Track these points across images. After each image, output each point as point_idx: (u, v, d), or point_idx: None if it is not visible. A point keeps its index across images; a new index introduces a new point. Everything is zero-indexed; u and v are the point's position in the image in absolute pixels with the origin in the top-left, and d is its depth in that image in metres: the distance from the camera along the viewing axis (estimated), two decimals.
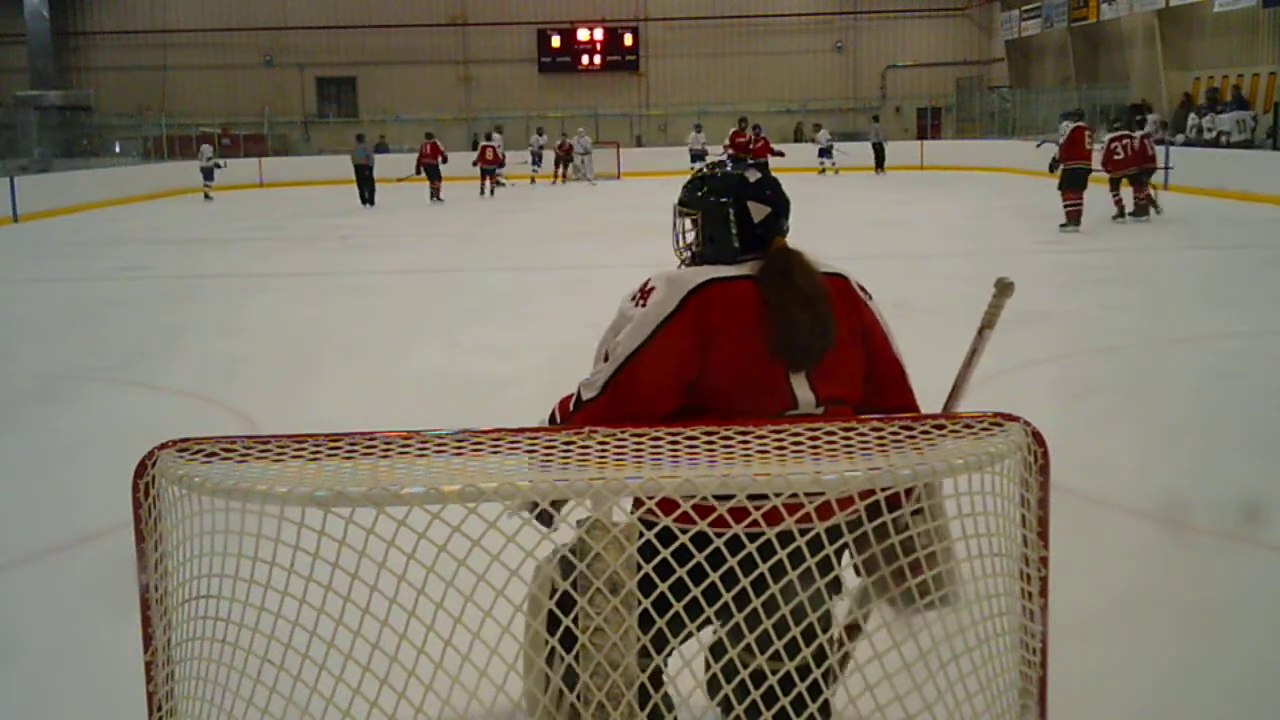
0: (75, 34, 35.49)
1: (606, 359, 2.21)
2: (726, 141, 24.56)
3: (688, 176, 2.54)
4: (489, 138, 26.51)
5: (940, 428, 1.74)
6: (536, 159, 28.66)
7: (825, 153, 28.98)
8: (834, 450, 1.68)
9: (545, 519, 1.80)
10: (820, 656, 1.76)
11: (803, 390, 2.16)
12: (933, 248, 14.35)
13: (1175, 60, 26.18)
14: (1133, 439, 5.88)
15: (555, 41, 36.11)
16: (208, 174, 25.84)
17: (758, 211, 2.35)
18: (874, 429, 1.76)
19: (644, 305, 2.19)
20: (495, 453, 1.69)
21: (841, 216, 19.54)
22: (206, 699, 1.68)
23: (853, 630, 1.89)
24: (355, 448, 1.69)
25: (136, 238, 18.71)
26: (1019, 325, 8.97)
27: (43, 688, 3.55)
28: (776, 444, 1.71)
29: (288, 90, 35.90)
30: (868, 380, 2.28)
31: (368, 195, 23.42)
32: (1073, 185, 15.36)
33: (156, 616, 1.64)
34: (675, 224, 2.44)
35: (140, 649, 1.64)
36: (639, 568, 1.66)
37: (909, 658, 1.69)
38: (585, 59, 36.38)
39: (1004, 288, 2.54)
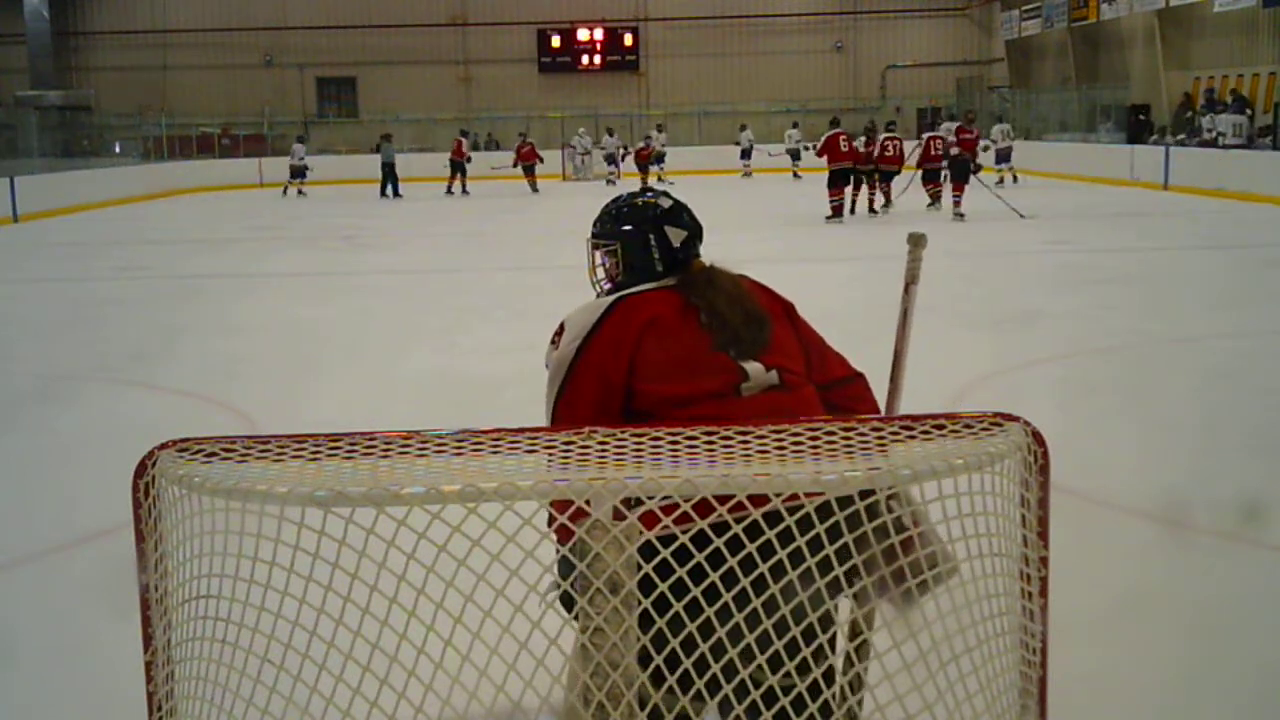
0: (75, 34, 35.50)
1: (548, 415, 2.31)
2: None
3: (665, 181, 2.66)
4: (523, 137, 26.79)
5: (940, 428, 1.74)
6: (612, 160, 28.61)
7: (745, 154, 29.45)
8: (834, 450, 1.68)
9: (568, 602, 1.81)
10: (820, 655, 1.76)
11: (751, 364, 2.24)
12: (932, 248, 14.31)
13: (1175, 60, 26.19)
14: (1133, 439, 5.88)
15: (555, 41, 36.12)
16: (298, 172, 26.22)
17: (675, 236, 2.45)
18: (874, 429, 1.76)
19: (558, 344, 2.30)
20: (495, 453, 1.69)
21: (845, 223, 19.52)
22: (206, 699, 1.68)
23: (862, 648, 1.90)
24: (355, 448, 1.69)
25: (136, 238, 18.71)
26: (1019, 325, 9.05)
27: (43, 688, 3.55)
28: (776, 444, 1.71)
29: (288, 90, 35.91)
30: (807, 362, 2.36)
31: (392, 189, 24.88)
32: (833, 184, 17.85)
33: (156, 616, 1.64)
34: (589, 257, 2.53)
35: (140, 649, 1.64)
36: (638, 568, 1.66)
37: (909, 658, 1.69)
38: (585, 59, 36.39)
39: (916, 239, 2.74)
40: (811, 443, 1.71)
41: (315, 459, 1.66)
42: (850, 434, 1.74)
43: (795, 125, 29.79)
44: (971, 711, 1.70)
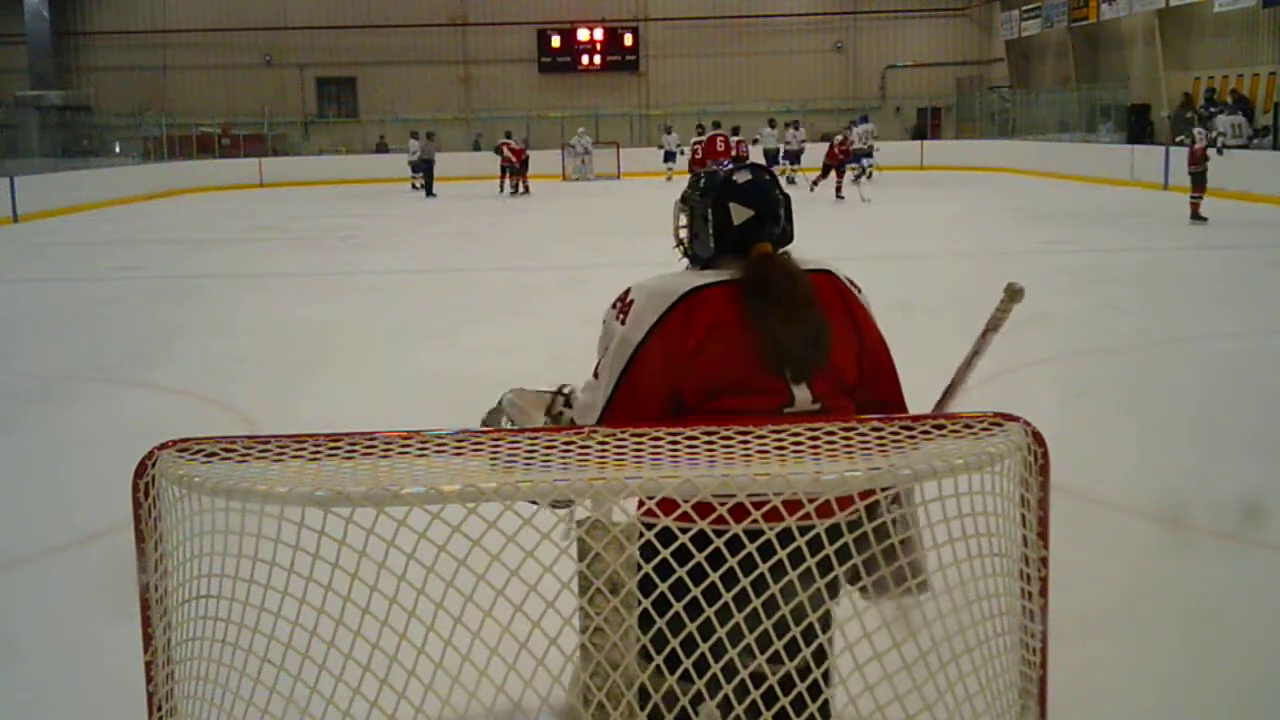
0: (75, 34, 35.48)
1: (596, 376, 2.21)
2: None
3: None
4: (701, 131, 25.74)
5: (940, 428, 1.74)
6: (670, 157, 28.48)
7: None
8: (834, 450, 1.68)
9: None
10: (820, 657, 1.76)
11: (800, 389, 2.14)
12: (933, 248, 14.35)
13: (1175, 60, 26.18)
14: (1132, 439, 5.88)
15: (555, 41, 36.10)
16: (417, 167, 26.36)
17: (739, 214, 2.28)
18: (874, 429, 1.76)
19: (624, 320, 2.17)
20: (495, 453, 1.69)
21: (839, 217, 19.56)
22: (206, 699, 1.68)
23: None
24: (355, 448, 1.69)
25: (136, 238, 18.71)
26: (1019, 325, 9.01)
27: (43, 688, 3.55)
28: (776, 444, 1.71)
29: (288, 90, 35.90)
30: (861, 372, 2.24)
31: (427, 187, 25.50)
32: None
33: (156, 616, 1.64)
34: (675, 216, 2.41)
35: (140, 649, 1.64)
36: (638, 567, 1.66)
37: (909, 658, 1.69)
38: (585, 59, 36.37)
39: (1014, 293, 2.41)
40: (811, 443, 1.71)
41: (315, 459, 1.66)
42: (850, 434, 1.74)
43: (796, 126, 29.63)
44: (971, 711, 1.70)
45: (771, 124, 27.76)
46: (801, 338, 2.12)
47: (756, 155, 26.50)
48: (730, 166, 2.39)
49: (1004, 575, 1.71)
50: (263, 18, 35.47)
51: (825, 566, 1.70)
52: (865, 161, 24.81)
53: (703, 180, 2.36)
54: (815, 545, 1.67)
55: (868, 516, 1.69)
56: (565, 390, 2.38)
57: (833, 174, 22.49)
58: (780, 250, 2.29)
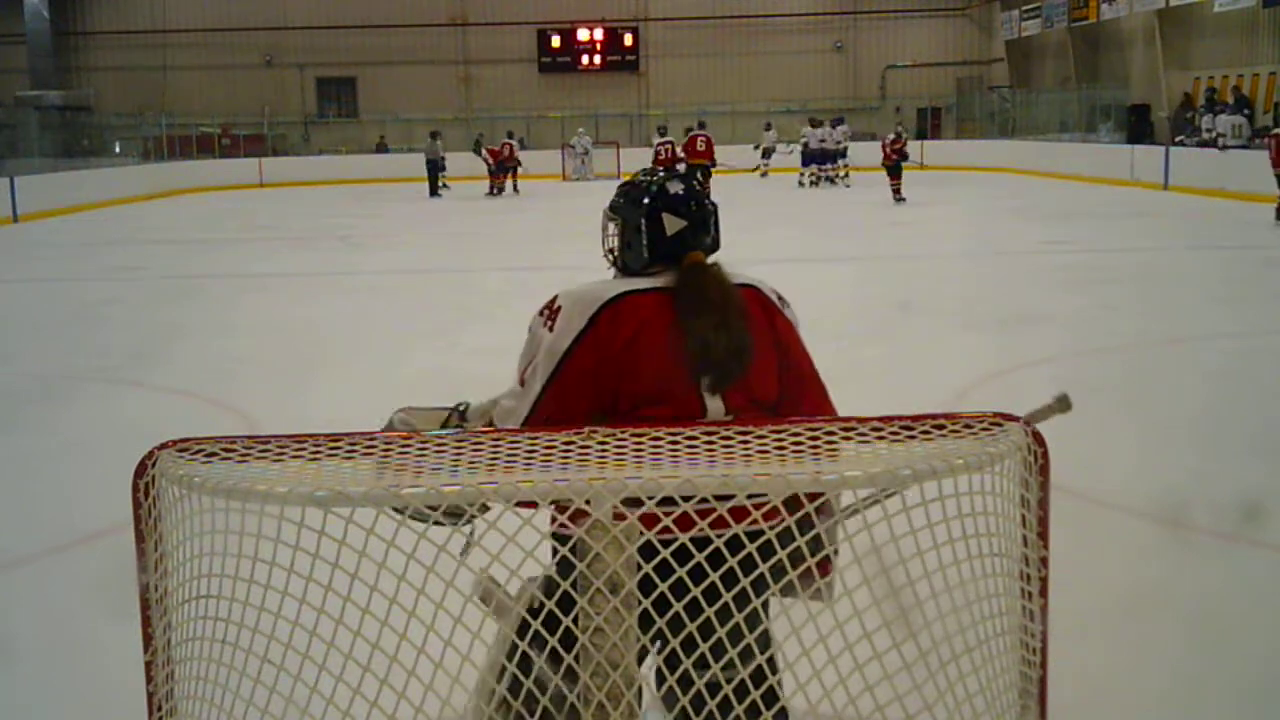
0: (75, 34, 35.48)
1: (522, 384, 2.19)
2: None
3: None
4: (663, 132, 25.08)
5: (940, 428, 1.74)
6: (768, 154, 28.45)
7: (766, 153, 28.82)
8: (834, 450, 1.68)
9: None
10: (773, 662, 1.78)
11: (713, 401, 2.14)
12: (933, 249, 14.35)
13: (1175, 60, 26.19)
14: (1132, 439, 5.88)
15: (555, 41, 36.10)
16: (439, 166, 26.22)
17: (672, 224, 2.28)
18: (874, 429, 1.76)
19: (551, 327, 2.17)
20: (495, 452, 1.69)
21: (840, 218, 19.57)
22: (207, 699, 1.68)
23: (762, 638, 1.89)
24: (355, 448, 1.69)
25: (136, 238, 18.71)
26: (1019, 325, 9.05)
27: (43, 688, 3.55)
28: (776, 444, 1.71)
29: (288, 90, 35.90)
30: (783, 388, 2.23)
31: (430, 189, 25.32)
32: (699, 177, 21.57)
33: (156, 616, 1.64)
34: (604, 225, 2.40)
35: (140, 649, 1.64)
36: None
37: (909, 658, 1.69)
38: (585, 59, 36.37)
39: (1063, 405, 2.28)
40: (811, 443, 1.71)
41: (315, 459, 1.66)
42: (850, 435, 1.74)
43: (769, 126, 29.57)
44: (971, 711, 1.70)
45: (816, 123, 26.65)
46: (728, 348, 2.13)
47: (791, 157, 26.50)
48: (661, 175, 2.39)
49: (1004, 575, 1.71)
50: (263, 18, 35.46)
51: (753, 571, 1.68)
52: (840, 161, 25.70)
53: (633, 190, 2.35)
54: (739, 548, 1.66)
55: (797, 527, 1.67)
56: (461, 407, 2.36)
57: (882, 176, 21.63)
58: (711, 260, 2.30)
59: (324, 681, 1.63)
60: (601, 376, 2.13)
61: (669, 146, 23.18)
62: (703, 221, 2.32)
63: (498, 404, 2.27)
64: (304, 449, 1.68)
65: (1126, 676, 3.44)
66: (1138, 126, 26.48)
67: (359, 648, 1.63)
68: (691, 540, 1.65)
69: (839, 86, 36.27)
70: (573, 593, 1.64)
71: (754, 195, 24.49)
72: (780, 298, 2.31)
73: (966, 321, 9.22)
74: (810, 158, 25.67)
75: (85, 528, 4.74)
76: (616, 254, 2.36)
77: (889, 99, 35.88)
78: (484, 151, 26.28)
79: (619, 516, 1.56)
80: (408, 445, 1.70)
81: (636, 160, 29.83)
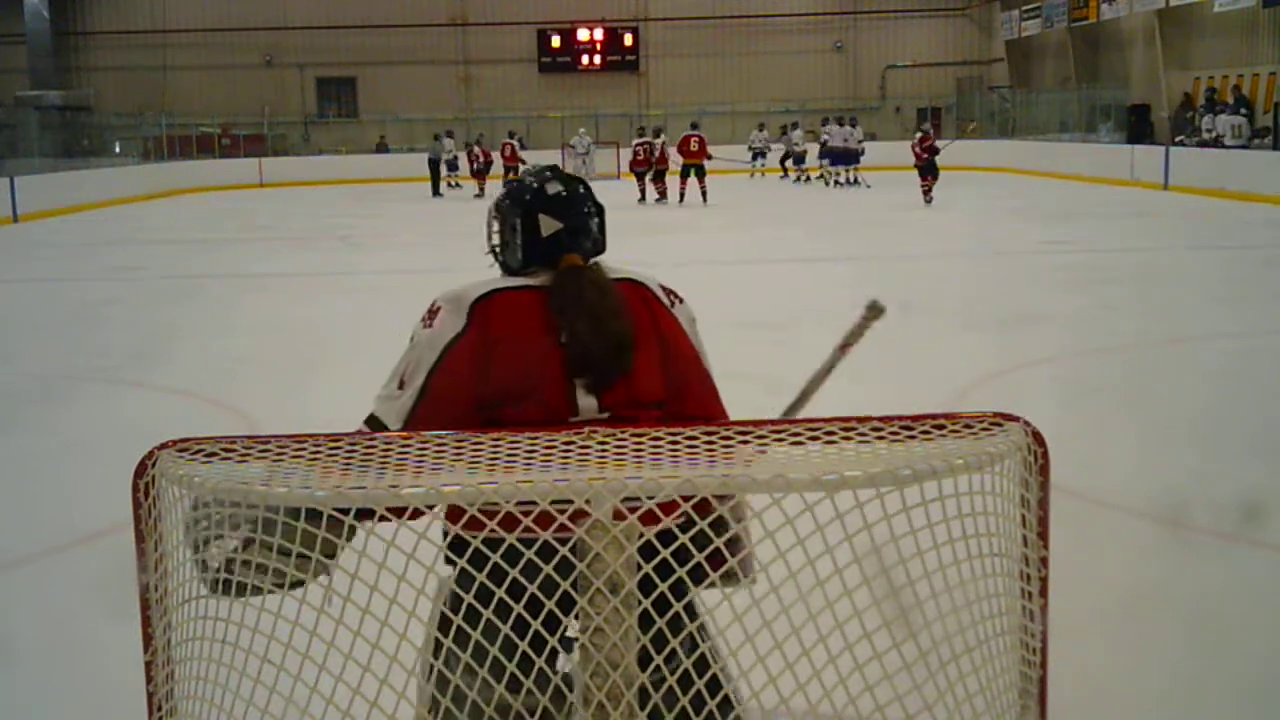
0: (75, 34, 35.49)
1: (402, 386, 2.16)
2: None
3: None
4: (642, 133, 24.84)
5: (940, 428, 1.74)
6: (759, 156, 28.48)
7: (759, 155, 28.80)
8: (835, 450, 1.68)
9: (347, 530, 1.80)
10: (715, 652, 1.79)
11: (586, 400, 2.11)
12: (933, 249, 14.35)
13: (1175, 60, 26.19)
14: (1132, 439, 5.89)
15: (555, 41, 36.11)
16: (451, 165, 26.34)
17: (548, 226, 2.26)
18: (874, 429, 1.76)
19: (430, 327, 2.15)
20: (495, 453, 1.69)
21: (841, 218, 19.57)
22: (207, 699, 1.68)
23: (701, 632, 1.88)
24: (355, 448, 1.69)
25: (136, 238, 18.71)
26: (1019, 325, 9.06)
27: (43, 688, 3.55)
28: (776, 442, 1.71)
29: (288, 90, 35.90)
30: (669, 385, 2.19)
31: (433, 188, 25.56)
32: (684, 175, 22.89)
33: (156, 616, 1.64)
34: (488, 223, 2.38)
35: (140, 649, 1.64)
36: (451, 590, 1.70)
37: (909, 658, 1.69)
38: (585, 59, 36.38)
39: (874, 311, 2.41)
40: (811, 443, 1.71)
41: (315, 459, 1.66)
42: (850, 434, 1.74)
43: (795, 126, 29.58)
44: (971, 711, 1.70)
45: (840, 121, 25.88)
46: (607, 347, 2.10)
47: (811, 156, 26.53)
48: (546, 175, 2.36)
49: (1004, 575, 1.71)
50: (263, 18, 35.47)
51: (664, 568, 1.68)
52: (802, 163, 26.74)
53: (516, 189, 2.33)
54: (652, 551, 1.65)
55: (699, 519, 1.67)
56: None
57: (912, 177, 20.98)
58: (592, 261, 2.27)
59: (324, 681, 1.63)
60: (476, 372, 2.10)
61: (646, 147, 23.27)
62: (581, 225, 2.29)
63: (378, 401, 2.22)
64: (304, 449, 1.68)
65: (1126, 676, 3.44)
66: (1138, 126, 26.49)
67: (359, 648, 1.63)
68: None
69: (839, 86, 36.27)
70: (479, 606, 1.64)
71: (754, 195, 24.50)
72: (670, 294, 2.28)
73: (966, 321, 9.22)
74: (831, 156, 25.33)
75: (85, 528, 4.74)
76: (499, 252, 2.35)
77: (889, 99, 35.90)
78: (475, 149, 26.33)
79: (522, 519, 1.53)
80: (407, 444, 1.70)
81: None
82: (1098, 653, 3.47)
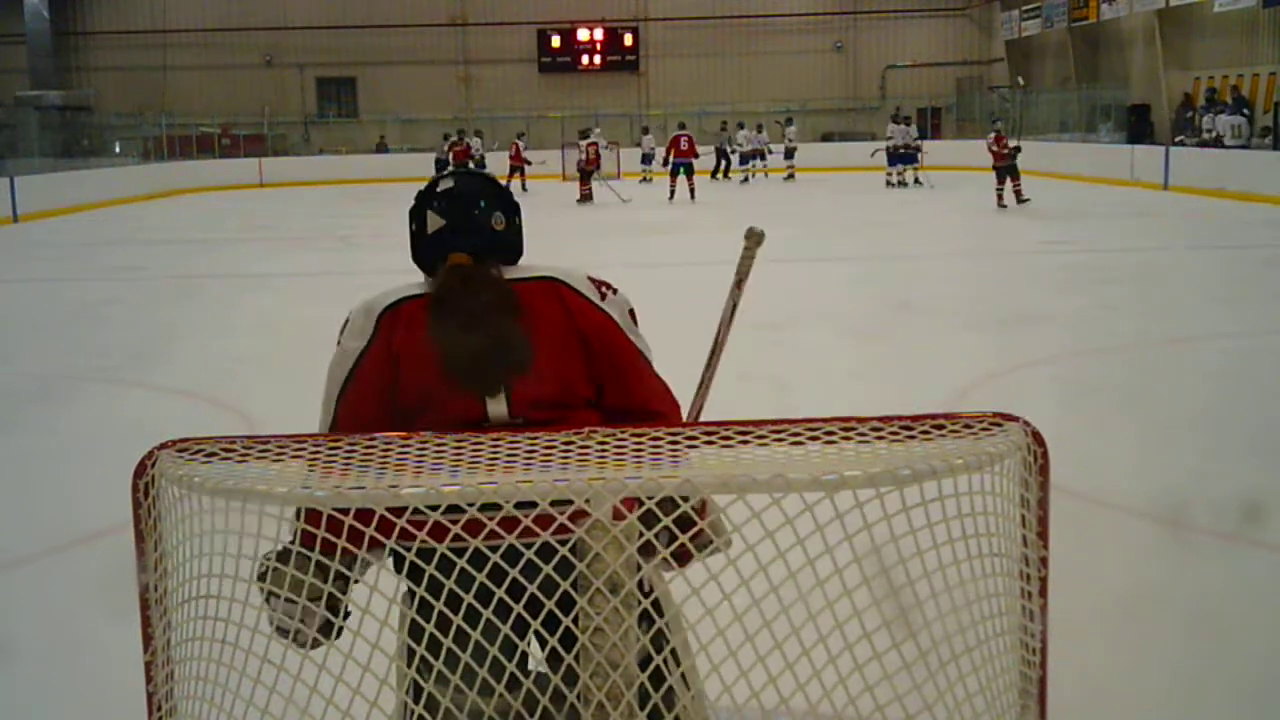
0: (75, 34, 35.49)
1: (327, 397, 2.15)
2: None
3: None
4: (584, 135, 25.15)
5: (940, 428, 1.74)
6: (647, 160, 28.50)
7: (745, 159, 28.47)
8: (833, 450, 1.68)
9: (326, 628, 1.83)
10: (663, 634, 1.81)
11: (495, 404, 2.06)
12: (933, 249, 14.35)
13: (1175, 60, 26.19)
14: (1132, 439, 5.88)
15: (555, 41, 36.11)
16: (441, 165, 26.36)
17: (433, 223, 2.21)
18: (874, 429, 1.76)
19: (339, 344, 2.14)
20: (495, 453, 1.69)
21: (841, 218, 19.57)
22: (207, 699, 1.68)
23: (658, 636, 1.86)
24: (355, 448, 1.69)
25: (136, 238, 18.71)
26: (1019, 325, 9.06)
27: (43, 688, 3.55)
28: (776, 441, 1.71)
29: (288, 90, 35.90)
30: (594, 382, 2.13)
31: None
32: (673, 173, 23.03)
33: (156, 616, 1.64)
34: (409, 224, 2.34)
35: (140, 649, 1.64)
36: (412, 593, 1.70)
37: (909, 658, 1.68)
38: (585, 59, 36.38)
39: (753, 236, 2.40)
40: (811, 442, 1.71)
41: (315, 459, 1.66)
42: (850, 434, 1.74)
43: (790, 122, 29.52)
44: (971, 711, 1.70)
45: (896, 119, 25.51)
46: (478, 350, 2.02)
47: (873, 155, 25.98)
48: (448, 172, 2.31)
49: (1004, 575, 1.71)
50: (263, 18, 35.47)
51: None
52: (755, 163, 27.44)
53: (423, 188, 2.29)
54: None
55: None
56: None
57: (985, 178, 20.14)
58: (495, 261, 2.19)
59: (324, 681, 1.63)
60: (385, 382, 2.08)
61: (595, 147, 23.94)
62: (462, 222, 2.21)
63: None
64: (304, 449, 1.68)
65: (1126, 676, 3.44)
66: (1138, 126, 26.49)
67: (359, 648, 1.63)
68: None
69: (839, 86, 36.28)
70: (449, 613, 1.63)
71: (754, 195, 24.49)
72: (602, 286, 2.19)
73: (966, 321, 9.22)
74: (896, 157, 24.99)
75: (85, 528, 4.74)
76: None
77: (889, 99, 35.87)
78: (467, 147, 26.35)
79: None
80: (407, 444, 1.70)
81: (637, 160, 29.88)
82: (1098, 653, 3.47)
